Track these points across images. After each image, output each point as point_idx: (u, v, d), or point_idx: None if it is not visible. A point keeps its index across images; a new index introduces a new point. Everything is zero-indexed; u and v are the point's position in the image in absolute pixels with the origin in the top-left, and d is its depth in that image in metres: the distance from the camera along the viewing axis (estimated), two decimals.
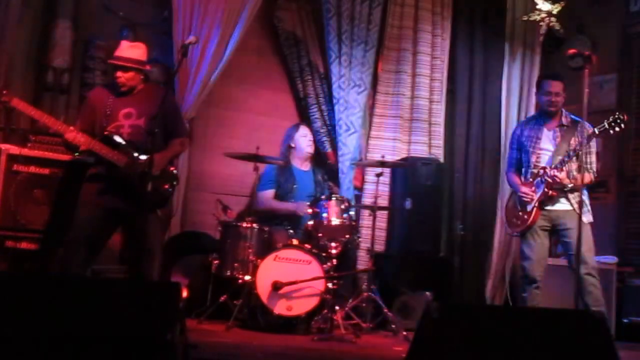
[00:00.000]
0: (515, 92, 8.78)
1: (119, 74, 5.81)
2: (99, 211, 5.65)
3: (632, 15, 8.68)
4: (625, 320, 7.60)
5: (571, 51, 6.72)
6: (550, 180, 6.24)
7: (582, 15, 8.91)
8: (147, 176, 5.43)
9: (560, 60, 8.73)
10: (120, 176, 5.61)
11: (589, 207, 6.27)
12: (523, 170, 6.59)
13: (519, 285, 6.75)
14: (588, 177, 6.16)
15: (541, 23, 8.45)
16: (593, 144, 6.32)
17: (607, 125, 6.03)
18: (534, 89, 8.65)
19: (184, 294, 6.19)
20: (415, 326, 3.72)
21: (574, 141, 6.19)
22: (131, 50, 5.90)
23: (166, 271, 6.69)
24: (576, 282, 5.88)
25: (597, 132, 6.09)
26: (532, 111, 8.63)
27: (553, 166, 6.26)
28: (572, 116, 6.41)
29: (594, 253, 6.30)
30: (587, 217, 6.24)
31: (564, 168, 6.22)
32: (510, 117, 8.72)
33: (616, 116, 6.03)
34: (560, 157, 6.27)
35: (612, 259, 7.63)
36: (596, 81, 8.56)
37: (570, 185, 6.21)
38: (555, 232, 6.49)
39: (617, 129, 6.02)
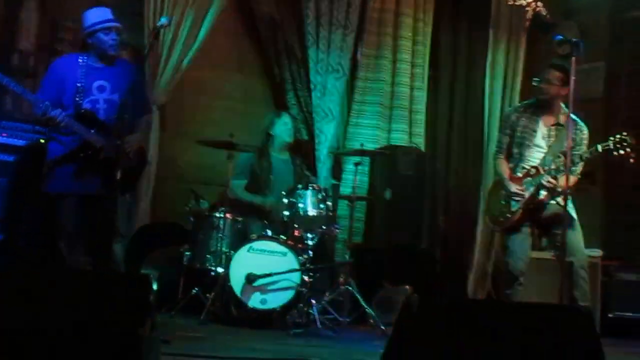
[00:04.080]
0: (499, 79, 8.85)
1: (113, 37, 5.77)
2: (75, 201, 5.67)
3: (622, 1, 8.73)
4: (610, 315, 7.70)
5: (558, 38, 6.69)
6: (544, 185, 6.26)
7: (570, 0, 8.96)
8: (121, 157, 5.48)
9: (547, 48, 8.77)
10: (97, 157, 5.59)
11: (571, 204, 6.27)
12: (512, 161, 6.55)
13: (501, 279, 6.77)
14: (573, 180, 6.04)
15: (527, 8, 8.49)
16: (587, 152, 6.20)
17: (611, 146, 5.97)
18: (519, 76, 8.75)
19: (155, 286, 6.21)
20: (394, 321, 3.73)
21: (567, 143, 5.91)
22: (110, 13, 5.87)
23: (136, 263, 6.70)
24: (562, 276, 5.92)
25: (600, 150, 6.03)
26: (517, 99, 8.69)
27: (546, 169, 6.27)
28: (573, 115, 6.10)
29: (584, 246, 6.35)
30: (573, 213, 6.27)
31: (558, 176, 6.18)
32: (494, 105, 8.80)
33: (623, 137, 5.95)
34: (552, 159, 6.29)
35: (597, 252, 7.70)
36: (583, 69, 8.60)
37: (559, 189, 6.20)
38: (542, 226, 6.53)
39: (621, 152, 5.94)
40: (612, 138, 5.99)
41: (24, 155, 6.33)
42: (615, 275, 7.93)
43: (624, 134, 5.97)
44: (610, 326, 7.52)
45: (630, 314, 7.66)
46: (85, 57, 5.79)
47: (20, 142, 6.35)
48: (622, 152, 5.95)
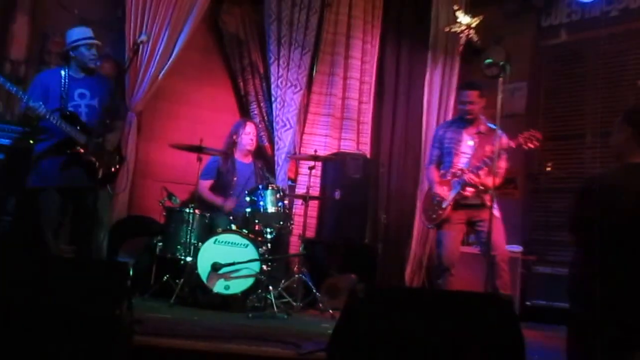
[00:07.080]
0: (435, 96, 8.92)
1: (94, 52, 6.05)
2: (58, 194, 5.77)
3: (543, 30, 8.89)
4: (528, 303, 7.84)
5: (488, 61, 6.82)
6: (467, 181, 6.41)
7: (498, 28, 9.07)
8: (103, 154, 5.74)
9: (478, 69, 8.88)
10: (80, 153, 5.72)
11: (496, 205, 6.41)
12: (443, 168, 6.74)
13: (435, 271, 6.87)
14: (496, 180, 6.22)
15: (461, 34, 8.60)
16: (504, 153, 6.44)
17: (521, 141, 6.22)
18: (453, 94, 8.85)
19: (130, 273, 6.22)
20: (341, 306, 3.80)
21: (488, 148, 6.30)
22: (91, 32, 6.10)
23: (114, 252, 6.70)
24: (487, 268, 6.09)
25: (513, 145, 6.27)
26: (450, 113, 8.80)
27: (470, 169, 6.42)
28: (489, 124, 6.53)
29: (505, 243, 6.49)
30: (497, 212, 6.40)
31: (479, 173, 6.38)
32: (430, 118, 8.87)
33: (532, 133, 6.21)
34: (476, 162, 6.45)
35: (517, 248, 7.83)
36: (508, 88, 8.74)
37: (482, 187, 6.36)
38: (470, 224, 6.67)
39: (530, 145, 6.21)
40: (521, 135, 6.25)
41: (11, 153, 6.33)
42: (532, 268, 8.08)
43: (532, 131, 6.26)
44: (528, 313, 7.66)
45: (545, 302, 7.75)
46: (67, 69, 5.99)
47: (6, 142, 6.32)
48: (530, 145, 6.23)
